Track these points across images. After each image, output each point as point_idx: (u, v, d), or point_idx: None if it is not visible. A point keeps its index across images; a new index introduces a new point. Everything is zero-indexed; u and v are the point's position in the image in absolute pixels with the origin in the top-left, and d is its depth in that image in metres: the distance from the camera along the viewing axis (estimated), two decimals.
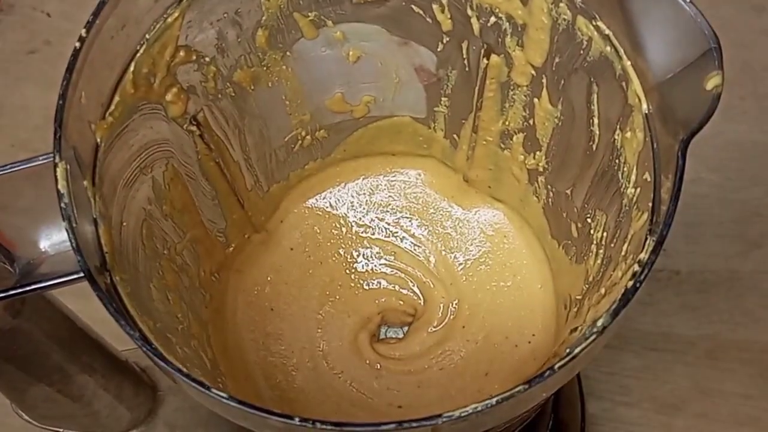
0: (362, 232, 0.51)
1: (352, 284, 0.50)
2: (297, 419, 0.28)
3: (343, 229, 0.52)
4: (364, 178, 0.52)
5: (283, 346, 0.48)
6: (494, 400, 0.28)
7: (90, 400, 0.44)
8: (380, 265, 0.51)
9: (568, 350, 0.29)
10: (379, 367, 0.47)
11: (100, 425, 0.46)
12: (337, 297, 0.50)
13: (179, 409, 0.49)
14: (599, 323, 0.29)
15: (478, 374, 0.47)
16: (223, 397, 0.29)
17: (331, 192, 0.52)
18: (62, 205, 0.31)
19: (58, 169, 0.31)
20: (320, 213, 0.52)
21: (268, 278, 0.50)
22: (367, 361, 0.48)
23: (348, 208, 0.52)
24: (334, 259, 0.51)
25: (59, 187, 0.31)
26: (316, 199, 0.52)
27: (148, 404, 0.48)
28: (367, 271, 0.51)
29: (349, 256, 0.51)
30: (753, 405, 0.61)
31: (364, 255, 0.51)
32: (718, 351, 0.63)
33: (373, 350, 0.48)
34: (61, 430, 0.46)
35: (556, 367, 0.29)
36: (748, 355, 0.62)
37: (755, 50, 0.71)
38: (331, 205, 0.52)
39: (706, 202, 0.67)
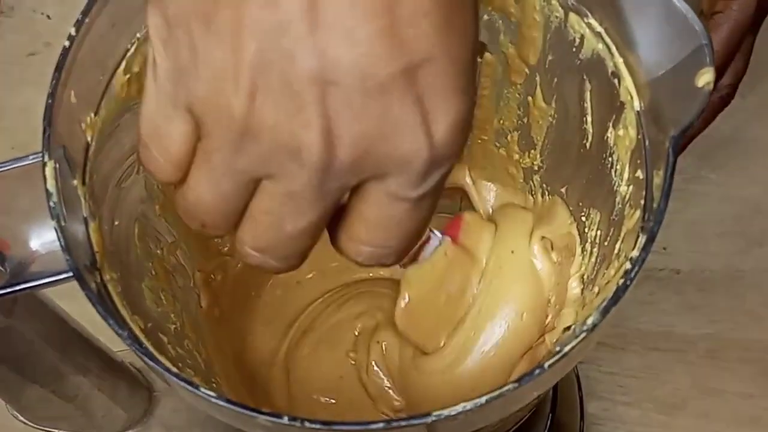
0: None
1: (360, 292, 0.52)
2: (286, 418, 0.28)
3: (344, 261, 0.52)
4: None
5: (304, 363, 0.49)
6: (484, 399, 0.28)
7: (85, 400, 0.44)
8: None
9: (558, 348, 0.29)
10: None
11: (95, 426, 0.46)
12: (349, 313, 0.51)
13: (175, 409, 0.49)
14: (589, 321, 0.29)
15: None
16: (211, 396, 0.29)
17: None
18: (51, 204, 0.31)
19: (46, 168, 0.31)
20: (323, 238, 0.52)
21: (277, 293, 0.50)
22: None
23: None
24: (335, 264, 0.52)
25: (48, 186, 0.31)
26: None
27: (143, 405, 0.48)
28: (366, 278, 0.52)
29: (343, 275, 0.52)
30: (754, 404, 0.61)
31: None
32: (719, 350, 0.62)
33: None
34: (57, 430, 0.46)
35: (546, 365, 0.29)
36: (748, 354, 0.62)
37: (756, 49, 0.71)
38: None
39: (707, 201, 0.67)
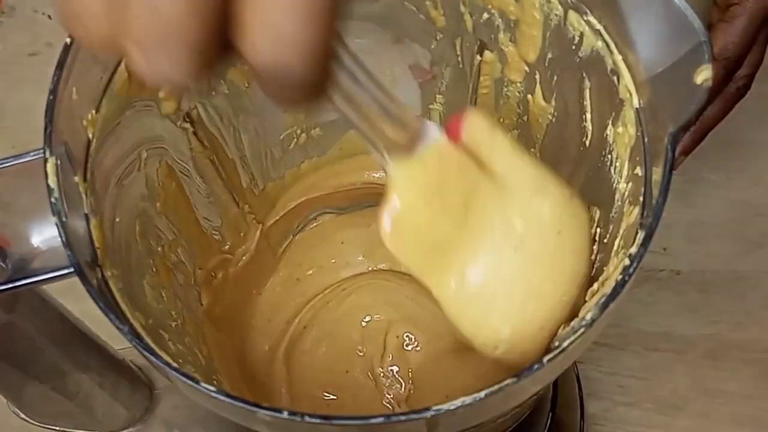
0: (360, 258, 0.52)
1: (360, 286, 0.51)
2: (286, 413, 0.28)
3: (342, 258, 0.53)
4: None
5: (305, 359, 0.49)
6: (483, 394, 0.28)
7: (86, 398, 0.44)
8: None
9: (557, 343, 0.29)
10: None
11: (96, 423, 0.46)
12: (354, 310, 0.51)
13: (176, 407, 0.49)
14: (588, 316, 0.29)
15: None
16: (211, 391, 0.29)
17: (329, 213, 0.53)
18: (52, 200, 0.31)
19: (48, 165, 0.31)
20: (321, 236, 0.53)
21: (277, 290, 0.50)
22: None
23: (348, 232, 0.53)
24: (333, 261, 0.52)
25: (49, 182, 0.31)
26: (317, 224, 0.53)
27: (144, 402, 0.48)
28: (365, 272, 0.52)
29: (342, 271, 0.52)
30: (754, 405, 0.61)
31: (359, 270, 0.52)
32: (719, 351, 0.62)
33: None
34: (58, 427, 0.46)
35: (545, 360, 0.29)
36: (749, 355, 0.62)
37: None
38: (330, 232, 0.53)
39: (707, 202, 0.67)
